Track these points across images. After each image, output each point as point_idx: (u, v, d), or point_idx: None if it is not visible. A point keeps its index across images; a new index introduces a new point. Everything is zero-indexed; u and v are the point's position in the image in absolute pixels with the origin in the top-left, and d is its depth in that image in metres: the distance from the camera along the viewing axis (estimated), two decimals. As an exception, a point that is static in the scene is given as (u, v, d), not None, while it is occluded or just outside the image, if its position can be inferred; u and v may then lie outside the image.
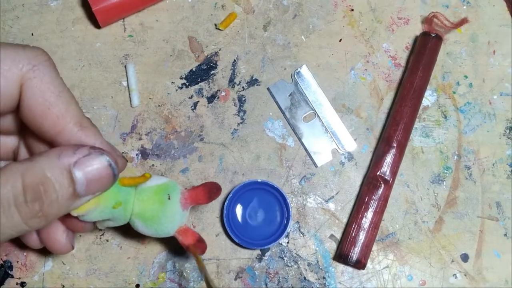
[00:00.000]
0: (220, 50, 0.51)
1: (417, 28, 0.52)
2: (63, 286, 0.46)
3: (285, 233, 0.45)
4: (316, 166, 0.48)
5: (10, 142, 0.38)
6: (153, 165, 0.48)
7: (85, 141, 0.31)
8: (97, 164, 0.30)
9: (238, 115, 0.49)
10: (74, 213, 0.32)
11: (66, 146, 0.31)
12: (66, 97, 0.31)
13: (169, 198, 0.36)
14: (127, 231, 0.46)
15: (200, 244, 0.38)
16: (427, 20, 0.50)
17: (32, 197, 0.28)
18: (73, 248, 0.37)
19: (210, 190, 0.38)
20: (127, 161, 0.35)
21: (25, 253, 0.46)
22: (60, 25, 0.51)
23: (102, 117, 0.49)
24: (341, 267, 0.46)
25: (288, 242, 0.47)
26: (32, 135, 0.36)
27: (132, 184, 0.35)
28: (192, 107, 0.49)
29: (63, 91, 0.31)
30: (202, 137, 0.49)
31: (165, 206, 0.36)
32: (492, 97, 0.50)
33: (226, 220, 0.45)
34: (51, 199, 0.28)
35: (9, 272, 0.45)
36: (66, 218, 0.34)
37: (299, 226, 0.47)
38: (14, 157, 0.39)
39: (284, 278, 0.46)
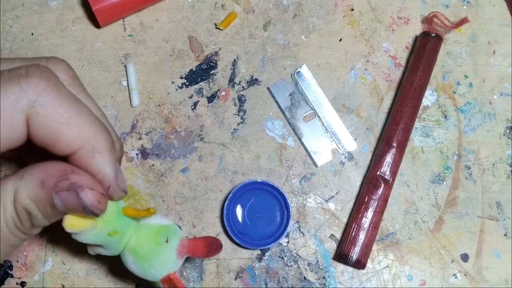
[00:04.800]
0: (220, 49, 0.51)
1: (417, 28, 0.52)
2: (63, 286, 0.46)
3: (285, 233, 0.45)
4: (316, 166, 0.48)
5: None
6: (153, 164, 0.48)
7: (90, 168, 0.31)
8: (72, 203, 0.29)
9: (238, 115, 0.49)
10: (68, 229, 0.31)
11: (51, 171, 0.30)
12: (77, 121, 0.29)
13: (166, 241, 0.35)
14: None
15: None
16: (427, 20, 0.50)
17: (23, 218, 0.30)
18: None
19: (210, 245, 0.36)
20: (126, 193, 0.34)
21: (25, 253, 0.46)
22: (60, 24, 0.50)
23: (102, 116, 0.49)
24: (341, 267, 0.46)
25: (288, 242, 0.47)
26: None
27: (135, 216, 0.34)
28: (192, 107, 0.49)
29: (72, 116, 0.29)
30: (202, 137, 0.49)
31: (161, 249, 0.35)
32: (492, 97, 0.50)
33: (226, 220, 0.45)
34: (39, 218, 0.30)
35: (9, 272, 0.45)
36: None
37: (299, 226, 0.47)
38: None
39: (284, 278, 0.46)
